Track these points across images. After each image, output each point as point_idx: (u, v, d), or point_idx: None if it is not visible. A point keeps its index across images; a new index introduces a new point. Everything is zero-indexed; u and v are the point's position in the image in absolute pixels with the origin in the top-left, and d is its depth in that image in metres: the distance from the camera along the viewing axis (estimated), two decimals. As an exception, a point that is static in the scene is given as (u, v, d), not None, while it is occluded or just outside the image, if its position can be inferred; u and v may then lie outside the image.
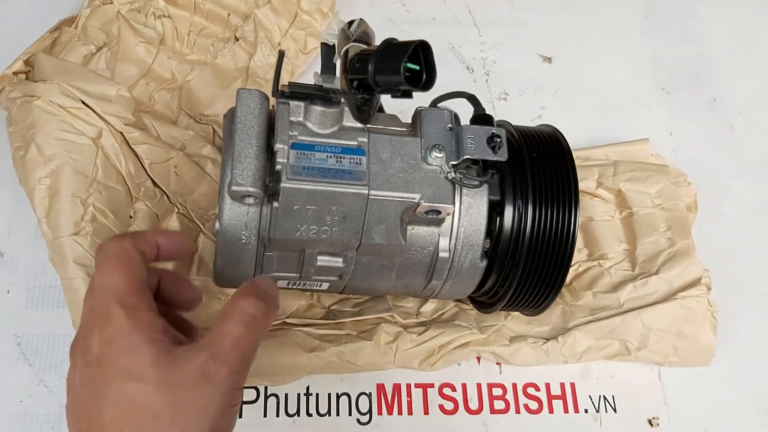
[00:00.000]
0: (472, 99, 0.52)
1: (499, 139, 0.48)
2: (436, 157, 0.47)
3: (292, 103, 0.47)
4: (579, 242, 0.65)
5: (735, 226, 0.70)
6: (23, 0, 0.70)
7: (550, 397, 0.61)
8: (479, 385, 0.60)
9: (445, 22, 0.77)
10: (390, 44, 0.41)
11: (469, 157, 0.48)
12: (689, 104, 0.76)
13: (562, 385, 0.61)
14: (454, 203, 0.48)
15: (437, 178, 0.48)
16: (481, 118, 0.51)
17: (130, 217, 0.58)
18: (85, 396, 0.36)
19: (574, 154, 0.66)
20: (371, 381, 0.58)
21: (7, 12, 0.69)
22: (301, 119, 0.47)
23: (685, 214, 0.64)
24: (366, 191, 0.46)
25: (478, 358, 0.60)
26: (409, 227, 0.49)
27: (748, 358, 0.64)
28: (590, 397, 0.61)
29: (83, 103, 0.56)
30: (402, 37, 0.72)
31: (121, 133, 0.58)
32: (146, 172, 0.59)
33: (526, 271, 0.50)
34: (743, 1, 0.81)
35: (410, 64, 0.40)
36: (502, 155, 0.48)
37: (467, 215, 0.49)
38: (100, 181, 0.56)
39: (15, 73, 0.59)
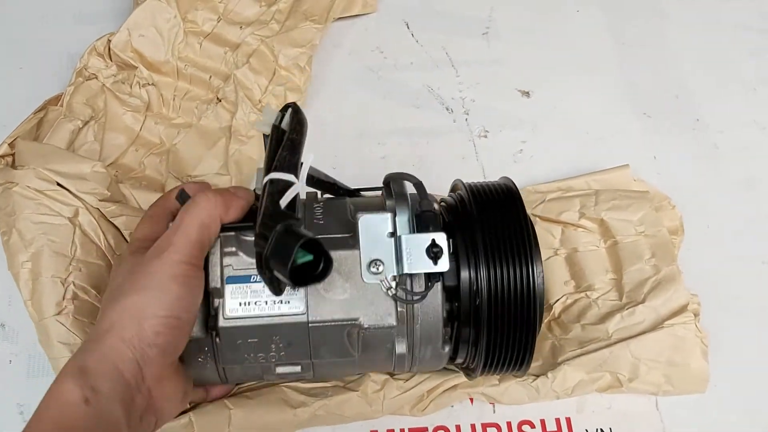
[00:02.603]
0: (419, 187, 0.50)
1: (438, 249, 0.46)
2: (375, 273, 0.46)
3: (223, 234, 0.46)
4: (565, 274, 0.65)
5: (723, 245, 0.69)
6: (9, 83, 0.74)
7: (546, 434, 0.60)
8: (473, 426, 0.60)
9: (422, 65, 0.78)
10: (282, 235, 0.41)
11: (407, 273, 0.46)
12: (671, 127, 0.76)
13: (558, 420, 0.61)
14: (398, 319, 0.47)
15: (378, 294, 0.47)
16: (424, 216, 0.48)
17: None
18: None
19: (556, 185, 0.68)
20: (365, 428, 0.59)
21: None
22: (234, 249, 0.46)
23: (669, 240, 0.64)
24: (305, 319, 0.46)
25: (471, 399, 0.61)
26: (361, 333, 0.48)
27: (745, 380, 0.63)
28: (587, 430, 0.61)
29: (58, 184, 0.58)
30: (381, 84, 0.75)
31: (98, 208, 0.59)
32: (127, 242, 0.61)
33: (492, 347, 0.50)
34: (715, 20, 0.81)
35: (302, 258, 0.41)
36: (443, 265, 0.46)
37: (421, 316, 0.48)
38: (79, 258, 0.58)
39: (1, 156, 0.61)
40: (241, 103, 0.70)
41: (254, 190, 0.49)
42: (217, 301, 0.46)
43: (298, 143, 0.46)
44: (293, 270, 0.41)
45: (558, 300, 0.64)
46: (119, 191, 0.62)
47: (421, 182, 0.50)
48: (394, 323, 0.47)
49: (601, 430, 0.61)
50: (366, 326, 0.47)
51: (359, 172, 0.71)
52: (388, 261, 0.47)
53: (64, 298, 0.56)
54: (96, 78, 0.69)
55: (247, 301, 0.46)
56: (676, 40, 0.80)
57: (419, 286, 0.48)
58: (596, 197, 0.66)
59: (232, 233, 0.46)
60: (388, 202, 0.50)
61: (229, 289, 0.46)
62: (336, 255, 0.46)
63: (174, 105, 0.72)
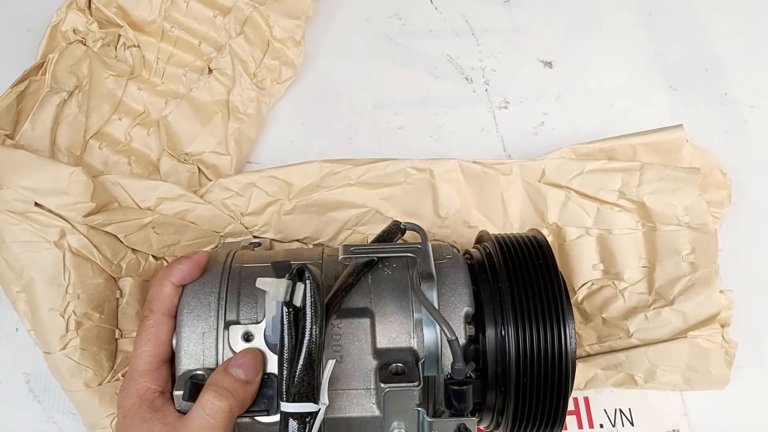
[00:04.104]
0: (453, 345, 0.43)
1: None
2: None
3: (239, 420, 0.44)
4: (595, 257, 0.61)
5: (753, 223, 0.67)
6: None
7: (564, 413, 0.59)
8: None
9: (442, 33, 0.75)
10: None
11: None
12: (698, 100, 0.73)
13: (575, 399, 0.60)
14: None
15: None
16: (454, 392, 0.44)
17: (118, 298, 0.56)
18: None
19: (598, 146, 0.63)
20: None
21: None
22: (247, 419, 0.44)
23: (714, 235, 0.59)
24: None
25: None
26: None
27: (771, 362, 0.61)
28: (605, 411, 0.60)
29: (36, 204, 0.53)
30: (399, 52, 0.72)
31: (85, 224, 0.54)
32: (124, 244, 0.57)
33: (520, 413, 0.47)
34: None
35: None
36: None
37: None
38: (74, 283, 0.53)
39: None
40: (238, 78, 0.66)
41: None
42: None
43: (318, 341, 0.41)
44: None
45: (583, 285, 0.61)
46: (105, 192, 0.56)
47: (456, 340, 0.42)
48: None
49: (620, 410, 0.60)
50: None
51: (375, 143, 0.70)
52: (411, 429, 0.44)
53: (67, 331, 0.52)
54: (82, 42, 0.64)
55: None
56: (706, 10, 0.76)
57: None
58: (641, 175, 0.60)
59: (247, 418, 0.44)
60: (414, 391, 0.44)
61: None
62: (356, 422, 0.45)
63: (157, 69, 0.67)
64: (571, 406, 0.59)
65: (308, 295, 0.41)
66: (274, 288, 0.41)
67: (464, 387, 0.44)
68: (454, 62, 0.74)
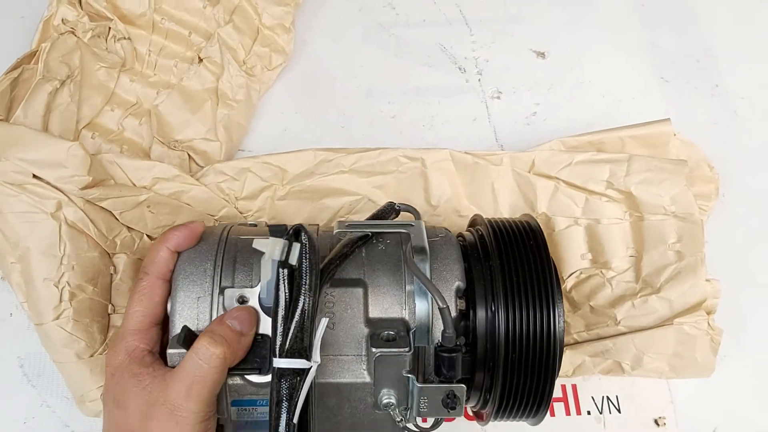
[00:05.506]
0: (444, 313, 0.44)
1: (455, 401, 0.44)
2: (387, 403, 0.45)
3: (229, 376, 0.44)
4: (583, 247, 0.62)
5: (741, 215, 0.67)
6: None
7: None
8: (478, 389, 0.59)
9: (435, 22, 0.75)
10: None
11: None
12: (690, 92, 0.73)
13: (563, 386, 0.61)
14: None
15: (386, 422, 0.46)
16: (445, 359, 0.45)
17: (112, 274, 0.57)
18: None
19: (587, 139, 0.64)
20: None
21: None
22: (237, 380, 0.44)
23: (700, 225, 0.59)
24: None
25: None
26: None
27: (758, 352, 0.62)
28: (593, 398, 0.60)
29: (34, 176, 0.54)
30: (392, 42, 0.73)
31: (81, 197, 0.55)
32: (119, 221, 0.57)
33: (507, 392, 0.47)
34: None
35: None
36: (459, 413, 0.44)
37: None
38: (69, 254, 0.54)
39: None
40: (227, 65, 0.66)
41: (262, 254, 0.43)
42: (222, 420, 0.46)
43: (313, 300, 0.42)
44: None
45: (572, 274, 0.61)
46: (102, 169, 0.57)
47: (447, 308, 0.43)
48: None
49: (608, 397, 0.60)
50: None
51: (368, 131, 0.70)
52: (401, 396, 0.45)
53: (60, 301, 0.53)
54: (72, 32, 0.64)
55: (255, 420, 0.46)
56: (699, 1, 0.77)
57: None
58: (628, 165, 0.61)
59: (237, 377, 0.44)
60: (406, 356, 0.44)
61: (235, 410, 0.46)
62: (346, 387, 0.45)
63: (149, 61, 0.68)
64: (559, 393, 0.60)
65: (304, 253, 0.42)
66: (270, 247, 0.42)
67: (454, 354, 0.44)
68: (448, 52, 0.74)
